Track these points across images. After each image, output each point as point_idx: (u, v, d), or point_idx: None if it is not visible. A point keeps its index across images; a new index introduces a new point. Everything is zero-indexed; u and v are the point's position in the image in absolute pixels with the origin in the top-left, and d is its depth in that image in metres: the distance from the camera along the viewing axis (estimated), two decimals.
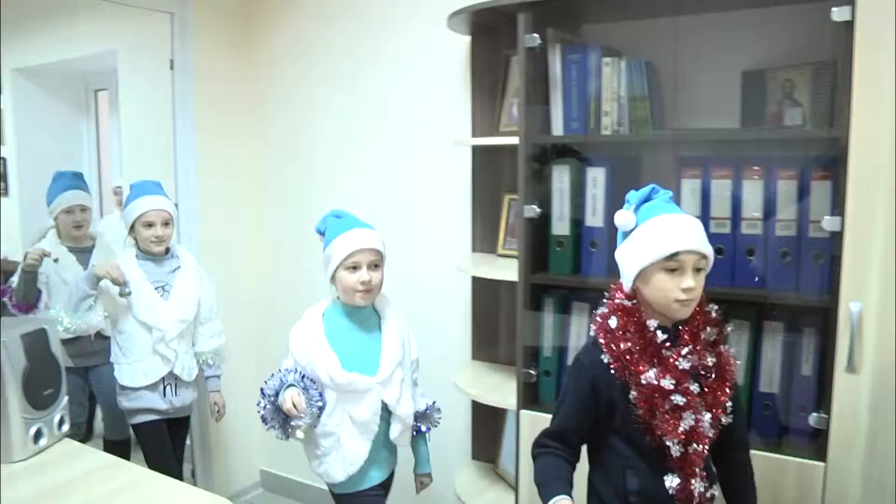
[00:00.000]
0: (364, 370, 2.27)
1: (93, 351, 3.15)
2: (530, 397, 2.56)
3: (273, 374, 2.31)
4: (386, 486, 2.45)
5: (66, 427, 2.25)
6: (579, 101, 2.43)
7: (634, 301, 1.82)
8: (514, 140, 2.44)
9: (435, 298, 3.16)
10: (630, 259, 1.80)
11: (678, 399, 1.73)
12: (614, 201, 2.40)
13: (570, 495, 1.79)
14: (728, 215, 2.25)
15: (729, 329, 1.88)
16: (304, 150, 3.53)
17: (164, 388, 2.92)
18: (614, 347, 1.78)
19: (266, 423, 2.28)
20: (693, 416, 1.74)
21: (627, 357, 1.76)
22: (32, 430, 2.11)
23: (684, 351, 1.75)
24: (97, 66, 3.91)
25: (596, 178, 2.41)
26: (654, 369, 1.74)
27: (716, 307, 1.85)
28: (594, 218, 2.42)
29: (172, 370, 2.91)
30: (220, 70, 3.59)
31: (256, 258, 3.78)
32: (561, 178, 2.47)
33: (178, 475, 3.03)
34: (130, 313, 2.85)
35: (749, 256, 2.21)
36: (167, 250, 3.00)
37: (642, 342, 1.76)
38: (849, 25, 1.90)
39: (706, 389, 1.77)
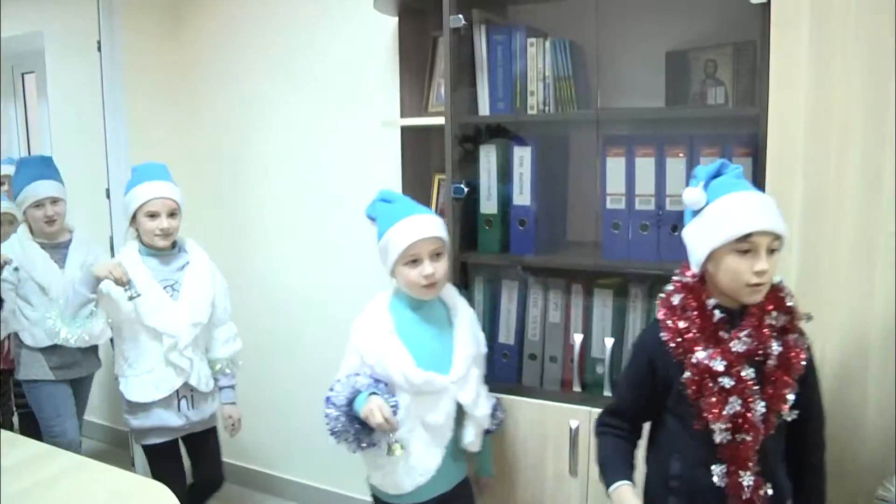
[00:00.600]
0: (437, 369, 2.06)
1: (75, 362, 3.01)
2: None
3: (338, 380, 2.07)
4: (446, 500, 2.19)
5: None
6: (505, 82, 2.44)
7: (698, 280, 1.75)
8: (441, 120, 2.44)
9: (366, 281, 3.15)
10: (700, 239, 1.71)
11: (726, 381, 1.66)
12: (541, 180, 2.44)
13: (630, 479, 1.77)
14: (652, 192, 2.29)
15: (805, 319, 1.74)
16: (236, 134, 3.49)
17: (179, 402, 2.59)
18: (671, 325, 1.73)
19: (338, 438, 2.03)
20: (741, 402, 1.65)
21: (684, 336, 1.71)
22: None
23: (742, 333, 1.67)
24: (23, 49, 3.84)
25: (522, 157, 2.43)
26: (708, 350, 1.67)
27: (790, 292, 1.73)
28: (521, 196, 2.44)
29: (188, 381, 2.58)
30: (149, 52, 3.51)
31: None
32: (488, 157, 2.48)
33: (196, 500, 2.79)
34: (137, 318, 2.52)
35: (674, 232, 2.26)
36: (174, 244, 2.66)
37: (700, 322, 1.70)
38: (765, 7, 1.96)
39: (767, 378, 1.67)
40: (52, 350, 2.85)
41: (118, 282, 2.41)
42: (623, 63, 2.52)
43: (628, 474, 1.78)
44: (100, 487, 1.99)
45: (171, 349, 2.53)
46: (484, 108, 2.49)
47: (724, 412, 1.66)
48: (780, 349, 1.67)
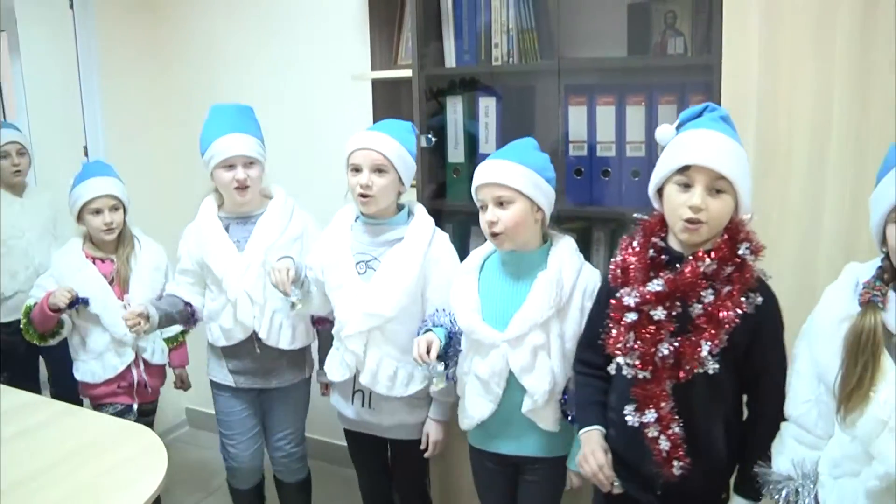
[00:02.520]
0: (499, 323, 1.99)
1: None
2: None
3: (435, 310, 2.15)
4: (517, 464, 2.11)
5: None
6: (470, 34, 2.52)
7: (657, 221, 1.72)
8: (410, 73, 2.51)
9: None
10: (653, 176, 1.70)
11: (630, 317, 1.64)
12: (506, 129, 2.52)
13: (601, 423, 1.81)
14: (613, 139, 2.38)
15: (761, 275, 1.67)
16: (209, 88, 3.49)
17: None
18: (617, 260, 1.73)
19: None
20: (635, 338, 1.64)
21: (624, 271, 1.70)
22: None
23: (670, 274, 1.62)
24: None
25: (488, 107, 2.52)
26: (632, 286, 1.66)
27: (753, 247, 1.64)
28: (487, 145, 2.53)
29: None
30: (122, 8, 3.52)
31: (167, 203, 3.62)
32: (455, 108, 2.57)
33: None
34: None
35: (634, 177, 2.35)
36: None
37: (638, 259, 1.68)
38: None
39: (694, 326, 1.61)
40: None
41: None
42: (586, 15, 2.57)
43: (600, 419, 1.81)
44: (87, 432, 2.05)
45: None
46: (450, 61, 2.57)
47: (619, 346, 1.66)
48: (711, 301, 1.60)
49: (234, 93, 3.39)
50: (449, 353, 2.10)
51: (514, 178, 1.93)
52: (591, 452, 1.77)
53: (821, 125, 1.94)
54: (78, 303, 2.56)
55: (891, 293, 1.43)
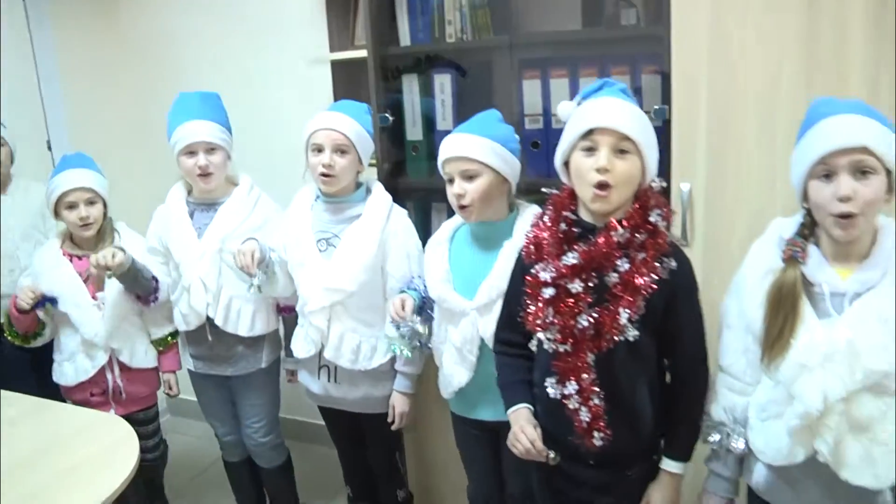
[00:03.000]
0: (468, 292, 2.04)
1: None
2: None
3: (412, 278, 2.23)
4: (497, 430, 2.10)
5: None
6: (423, 12, 2.54)
7: (567, 194, 1.71)
8: (364, 53, 2.53)
9: None
10: (558, 149, 1.68)
11: (548, 292, 1.65)
12: (463, 105, 2.55)
13: (528, 401, 1.81)
14: None
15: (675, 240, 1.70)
16: (171, 79, 3.47)
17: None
18: (530, 236, 1.73)
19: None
20: (554, 313, 1.65)
21: (538, 246, 1.71)
22: None
23: (584, 247, 1.62)
24: None
25: (443, 84, 2.54)
26: (546, 261, 1.67)
27: (663, 221, 1.65)
28: (444, 122, 2.56)
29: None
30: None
31: (136, 194, 3.47)
32: (411, 86, 2.59)
33: None
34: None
35: None
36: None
37: (550, 234, 1.68)
38: None
39: (611, 295, 1.62)
40: None
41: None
42: None
43: (527, 396, 1.82)
44: (62, 425, 2.08)
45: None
46: (405, 39, 2.59)
47: (538, 321, 1.67)
48: (626, 270, 1.61)
49: (197, 80, 3.37)
50: (422, 317, 2.16)
51: (479, 152, 1.96)
52: (521, 429, 1.78)
53: (770, 93, 1.98)
54: (45, 302, 2.49)
55: (811, 247, 1.51)
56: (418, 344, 2.16)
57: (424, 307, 2.18)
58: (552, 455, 1.77)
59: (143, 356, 2.64)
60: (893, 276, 1.43)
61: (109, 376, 2.60)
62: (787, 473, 1.57)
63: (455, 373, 2.10)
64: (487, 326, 2.00)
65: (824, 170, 1.43)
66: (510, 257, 1.95)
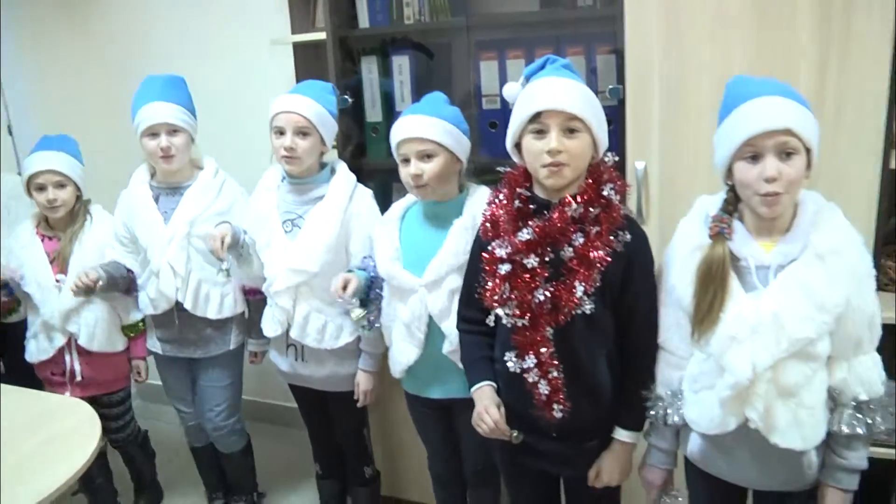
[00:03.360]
0: (417, 269, 2.08)
1: None
2: None
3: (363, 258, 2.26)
4: (449, 407, 2.20)
5: None
6: None
7: (521, 172, 1.73)
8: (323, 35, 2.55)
9: None
10: (508, 132, 1.71)
11: (504, 268, 1.68)
12: (422, 86, 2.57)
13: (490, 378, 1.84)
14: None
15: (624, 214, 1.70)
16: (132, 61, 3.45)
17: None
18: (486, 214, 1.76)
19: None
20: (510, 289, 1.68)
21: (494, 224, 1.73)
22: None
23: (533, 223, 1.66)
24: None
25: (402, 65, 2.57)
26: (502, 238, 1.69)
27: (616, 196, 1.67)
28: (403, 103, 2.59)
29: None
30: None
31: (103, 176, 3.52)
32: (370, 68, 2.62)
33: None
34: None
35: None
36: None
37: (505, 211, 1.70)
38: None
39: (565, 273, 1.65)
40: None
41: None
42: None
43: (489, 374, 1.85)
44: (22, 411, 2.09)
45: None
46: (364, 21, 2.61)
47: (496, 297, 1.70)
48: (581, 245, 1.64)
49: (162, 64, 3.35)
50: (371, 296, 2.20)
51: (435, 132, 2.00)
52: (485, 409, 1.81)
53: (722, 72, 1.97)
54: (6, 283, 2.52)
55: (735, 222, 1.56)
56: (366, 324, 2.19)
57: (373, 286, 2.21)
58: (515, 434, 1.81)
59: (104, 341, 2.62)
60: (813, 248, 1.47)
61: (67, 358, 2.61)
62: (720, 442, 1.62)
63: (403, 350, 2.13)
64: (436, 303, 2.04)
65: (750, 151, 1.47)
66: (460, 235, 2.00)
